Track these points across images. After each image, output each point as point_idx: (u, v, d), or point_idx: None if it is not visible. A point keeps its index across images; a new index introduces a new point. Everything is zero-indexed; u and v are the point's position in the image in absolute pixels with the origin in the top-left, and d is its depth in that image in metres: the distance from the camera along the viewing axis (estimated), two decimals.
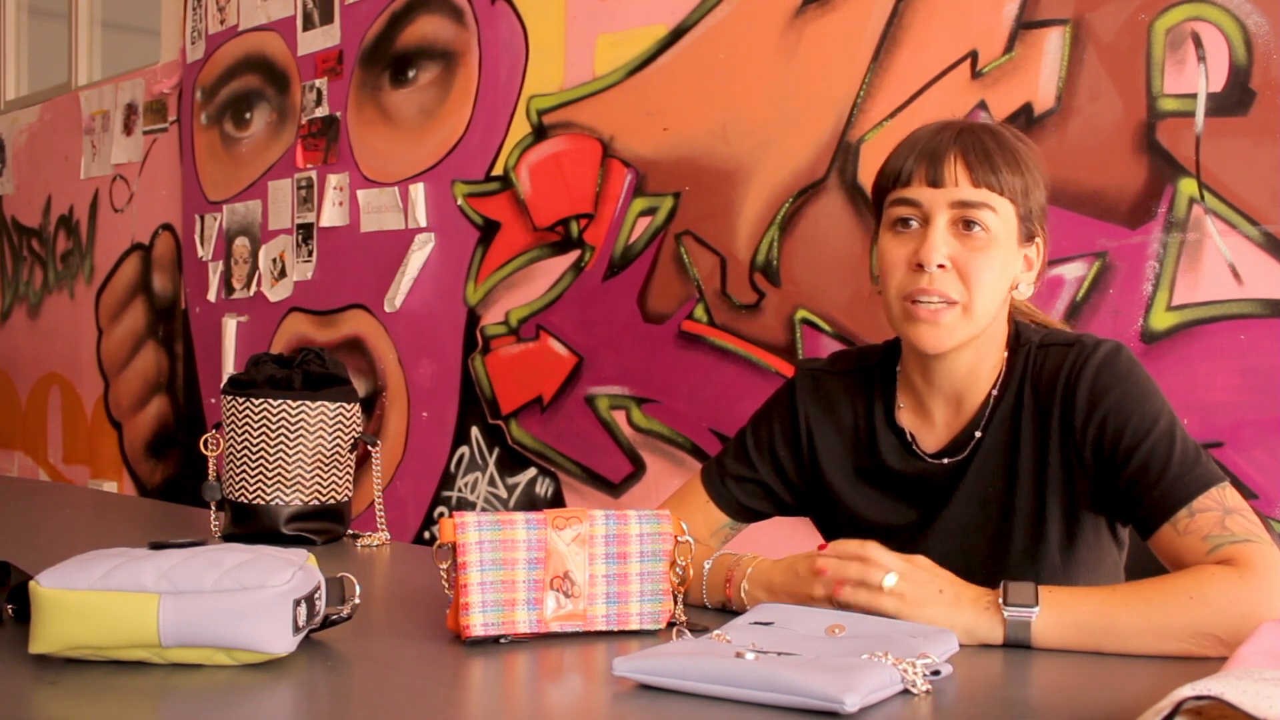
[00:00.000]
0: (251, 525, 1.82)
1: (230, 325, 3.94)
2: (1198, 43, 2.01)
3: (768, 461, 1.50)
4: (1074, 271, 2.13)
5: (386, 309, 3.39)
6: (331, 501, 1.86)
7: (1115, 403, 1.29)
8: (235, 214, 3.95)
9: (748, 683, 0.96)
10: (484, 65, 3.16)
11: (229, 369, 3.92)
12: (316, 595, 1.12)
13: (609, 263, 2.87)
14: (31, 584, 1.07)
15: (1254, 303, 1.96)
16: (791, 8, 2.55)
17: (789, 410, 1.51)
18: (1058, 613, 1.15)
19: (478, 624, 1.17)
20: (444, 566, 1.21)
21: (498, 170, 3.12)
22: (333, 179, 3.57)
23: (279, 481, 1.81)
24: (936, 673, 1.02)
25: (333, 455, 1.85)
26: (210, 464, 1.88)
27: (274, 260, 3.81)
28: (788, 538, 1.68)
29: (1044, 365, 1.36)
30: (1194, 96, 2.02)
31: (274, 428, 1.81)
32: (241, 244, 3.93)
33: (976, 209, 1.31)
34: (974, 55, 2.27)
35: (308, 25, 3.69)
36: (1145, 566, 1.34)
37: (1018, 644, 1.16)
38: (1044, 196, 1.38)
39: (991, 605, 1.17)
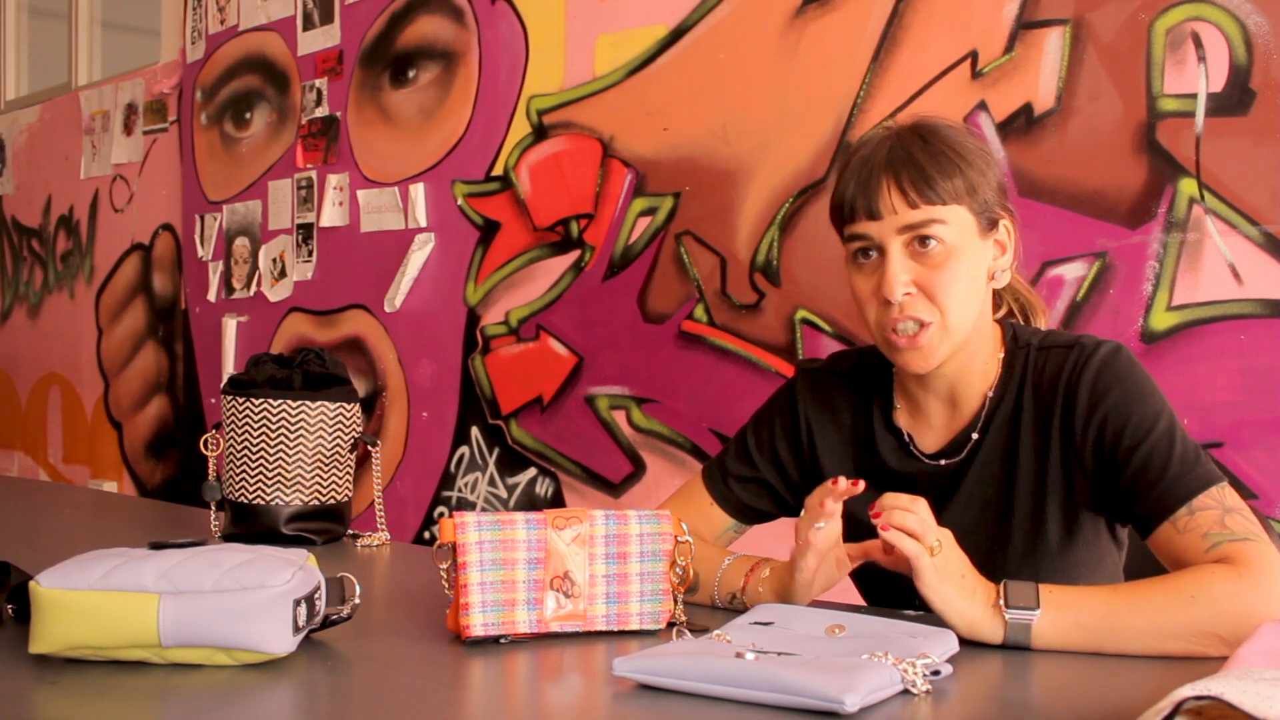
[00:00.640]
0: (251, 525, 1.82)
1: (230, 325, 3.94)
2: (1198, 43, 2.01)
3: (769, 460, 1.51)
4: (1074, 271, 2.13)
5: (386, 309, 3.39)
6: (331, 501, 1.86)
7: (1115, 403, 1.30)
8: (235, 214, 3.95)
9: (748, 683, 0.96)
10: (484, 65, 3.16)
11: (229, 369, 3.92)
12: (316, 595, 1.12)
13: (609, 263, 2.87)
14: (31, 584, 1.07)
15: (1254, 303, 1.96)
16: (791, 8, 2.55)
17: (790, 410, 1.51)
18: (1058, 614, 1.15)
19: (478, 624, 1.17)
20: (444, 566, 1.21)
21: (498, 170, 3.12)
22: (333, 179, 3.57)
23: (279, 481, 1.81)
24: (936, 673, 1.02)
25: (333, 455, 1.85)
26: (210, 464, 1.88)
27: (274, 260, 3.81)
28: (789, 542, 1.67)
29: (1044, 368, 1.36)
30: (1194, 96, 2.02)
31: (274, 428, 1.81)
32: (241, 244, 3.93)
33: (924, 228, 1.30)
34: (974, 55, 2.27)
35: (308, 25, 3.69)
36: (1142, 567, 1.34)
37: (1016, 645, 1.15)
38: (996, 177, 1.35)
39: (996, 604, 1.16)
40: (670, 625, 1.25)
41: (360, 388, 3.44)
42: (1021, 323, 1.48)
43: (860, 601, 1.51)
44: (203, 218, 4.08)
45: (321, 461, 1.84)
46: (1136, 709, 0.86)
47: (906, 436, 1.43)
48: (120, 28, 4.85)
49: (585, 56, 2.92)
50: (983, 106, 2.26)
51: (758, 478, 1.51)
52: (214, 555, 1.09)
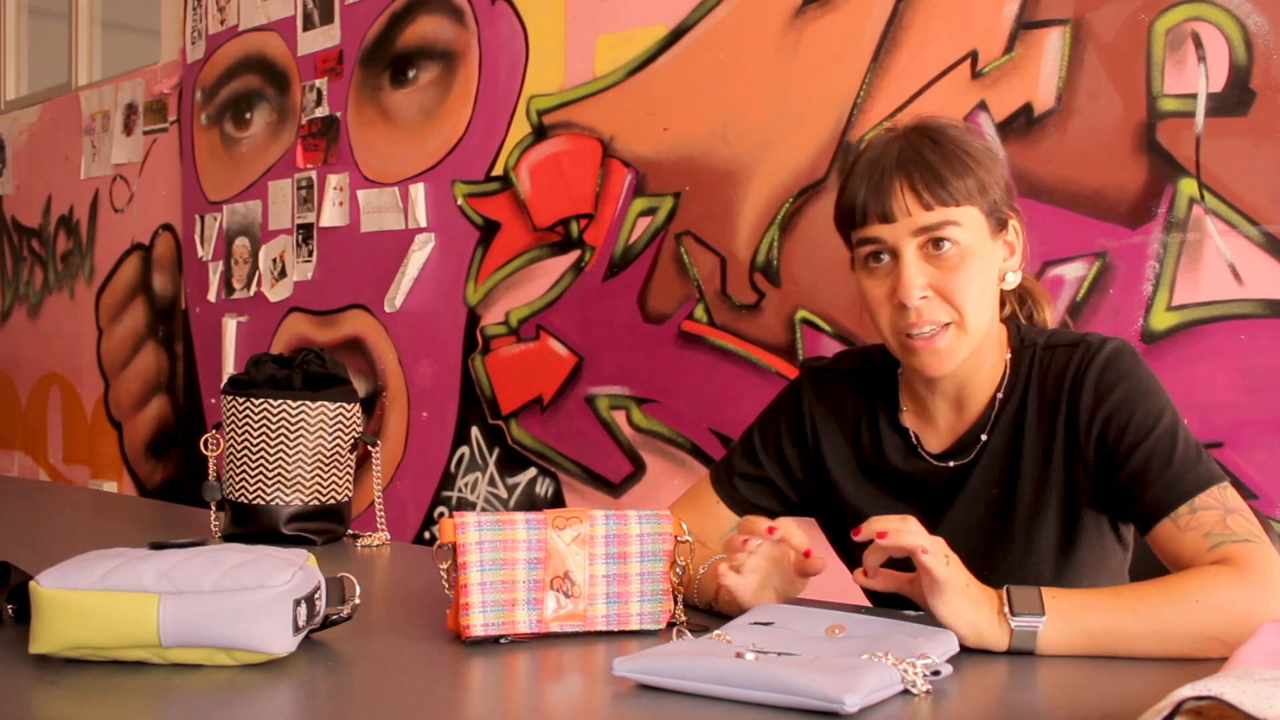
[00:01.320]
0: (251, 525, 1.82)
1: (230, 325, 3.94)
2: (1198, 43, 2.01)
3: (774, 460, 1.51)
4: (1074, 271, 2.13)
5: (386, 309, 3.39)
6: (331, 501, 1.86)
7: (1119, 399, 1.29)
8: (235, 214, 3.95)
9: (748, 683, 0.96)
10: (484, 65, 3.16)
11: (229, 369, 3.92)
12: (316, 595, 1.12)
13: (609, 263, 2.87)
14: (31, 584, 1.07)
15: (1254, 303, 1.96)
16: (791, 8, 2.55)
17: (795, 409, 1.51)
18: (1064, 621, 1.13)
19: (478, 624, 1.17)
20: (444, 566, 1.21)
21: (498, 170, 3.12)
22: (333, 179, 3.57)
23: (279, 481, 1.81)
24: (936, 673, 1.02)
25: (333, 455, 1.85)
26: (210, 464, 1.88)
27: (274, 260, 3.81)
28: None
29: (1050, 366, 1.36)
30: (1194, 96, 2.02)
31: (274, 428, 1.81)
32: (241, 244, 3.93)
33: (939, 230, 1.29)
34: (974, 55, 2.27)
35: (308, 25, 3.69)
36: (1146, 568, 1.34)
37: (1022, 652, 1.14)
38: (1003, 176, 1.36)
39: (1000, 611, 1.14)
40: (670, 625, 1.25)
41: (360, 388, 3.44)
42: (1027, 316, 1.48)
43: (863, 601, 1.51)
44: (203, 218, 4.08)
45: (321, 461, 1.83)
46: (1137, 709, 0.86)
47: (913, 436, 1.43)
48: (120, 28, 4.85)
49: (585, 56, 2.92)
50: (983, 106, 2.26)
51: (763, 476, 1.51)
52: (214, 555, 1.09)
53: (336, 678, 1.08)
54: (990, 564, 1.35)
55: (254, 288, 3.88)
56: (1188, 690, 0.79)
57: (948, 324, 1.30)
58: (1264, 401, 1.94)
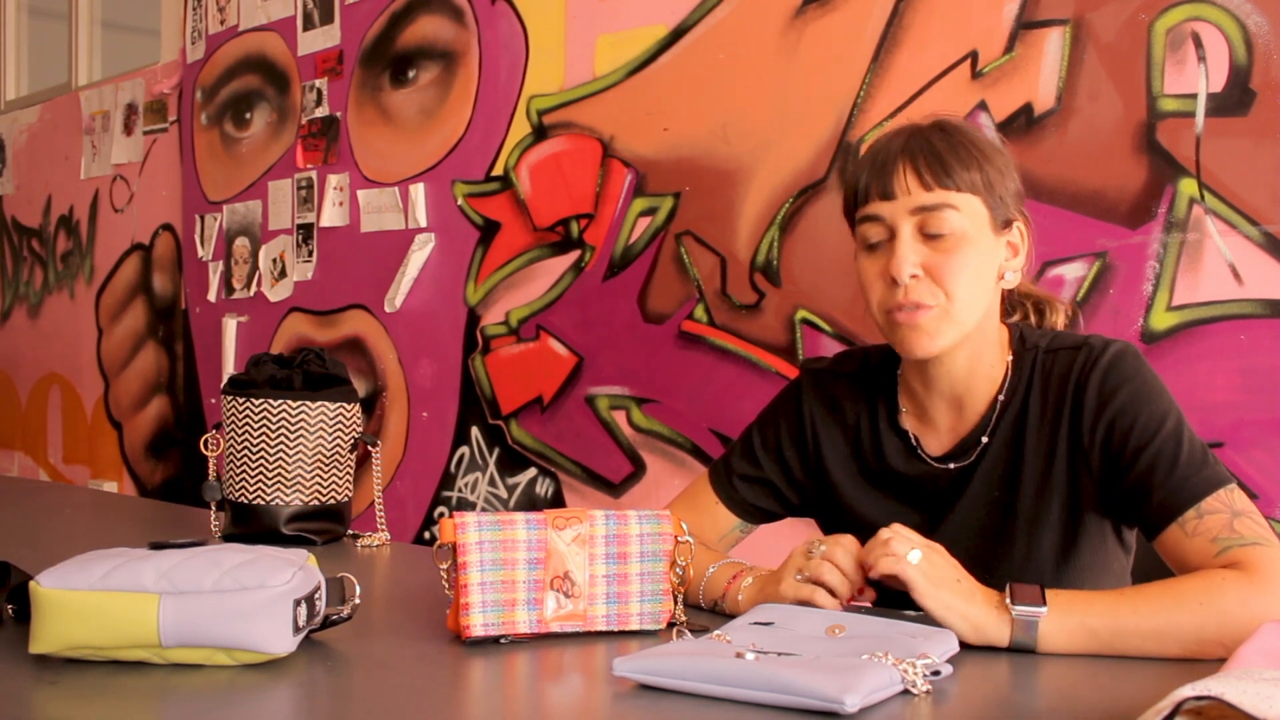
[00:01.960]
0: (251, 525, 1.82)
1: (230, 325, 3.94)
2: (1198, 43, 2.01)
3: (774, 461, 1.50)
4: (1074, 271, 2.13)
5: (386, 309, 3.39)
6: (331, 502, 1.86)
7: (1123, 402, 1.29)
8: (235, 214, 3.95)
9: (748, 683, 0.96)
10: (484, 65, 3.16)
11: (229, 369, 3.92)
12: (316, 595, 1.12)
13: (609, 263, 2.87)
14: (31, 584, 1.07)
15: (1254, 303, 1.96)
16: (791, 8, 2.55)
17: (795, 410, 1.51)
18: (1065, 617, 1.13)
19: (478, 624, 1.17)
20: (444, 566, 1.21)
21: (498, 170, 3.12)
22: (333, 179, 3.57)
23: (279, 481, 1.81)
24: (936, 673, 1.02)
25: (333, 455, 1.85)
26: (210, 464, 1.88)
27: (274, 260, 3.81)
28: (789, 544, 1.67)
29: (1052, 369, 1.35)
30: (1194, 96, 2.02)
31: (274, 428, 1.81)
32: (241, 244, 3.93)
33: (936, 211, 1.30)
34: (974, 55, 2.27)
35: (308, 25, 3.69)
36: (1149, 571, 1.34)
37: (1023, 648, 1.14)
38: (1014, 181, 1.36)
39: (1001, 605, 1.15)
40: (670, 625, 1.24)
41: (360, 388, 3.44)
42: (1038, 322, 1.47)
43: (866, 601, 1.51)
44: (203, 218, 4.08)
45: (321, 461, 1.83)
46: (1137, 709, 0.86)
47: (913, 439, 1.42)
48: (120, 28, 4.85)
49: (585, 56, 2.92)
50: (983, 106, 2.26)
51: (763, 477, 1.51)
52: (214, 555, 1.09)
53: (336, 678, 1.08)
54: (992, 567, 1.34)
55: (254, 288, 3.88)
56: (1188, 690, 0.79)
57: (932, 306, 1.31)
58: (1264, 401, 1.94)
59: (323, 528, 1.85)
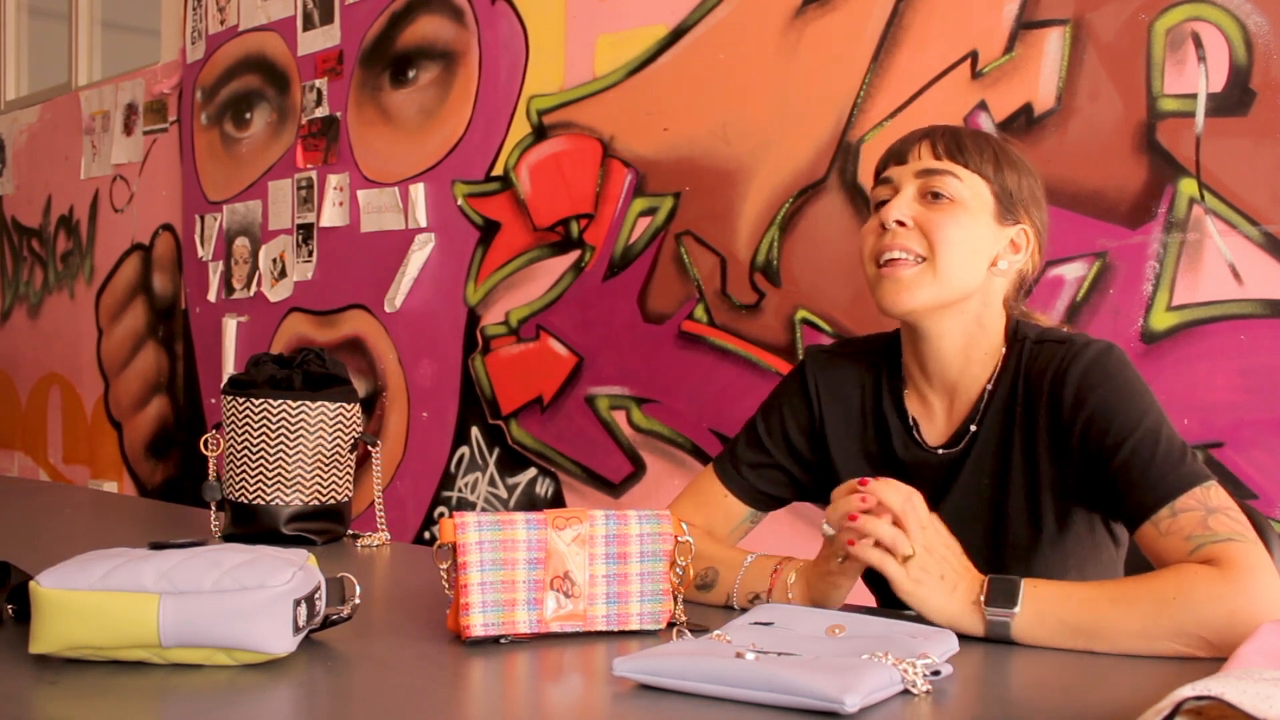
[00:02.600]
0: (251, 525, 1.82)
1: (230, 325, 3.94)
2: (1198, 43, 2.01)
3: (781, 445, 1.51)
4: (1074, 271, 2.13)
5: (386, 309, 3.39)
6: (331, 501, 1.86)
7: (1101, 400, 1.30)
8: (235, 214, 3.95)
9: (748, 683, 0.96)
10: (484, 65, 3.16)
11: (229, 369, 3.92)
12: (316, 595, 1.12)
13: (609, 263, 2.87)
14: (31, 584, 1.07)
15: (1254, 303, 1.96)
16: (791, 8, 2.55)
17: (801, 391, 1.51)
18: (1040, 611, 1.16)
19: (478, 624, 1.17)
20: (444, 566, 1.21)
21: (498, 170, 3.12)
22: (333, 179, 3.57)
23: (279, 481, 1.81)
24: (936, 673, 1.02)
25: (333, 455, 1.85)
26: (210, 464, 1.88)
27: (274, 260, 3.81)
28: (789, 539, 1.68)
29: (1036, 359, 1.37)
30: (1194, 96, 2.02)
31: (274, 428, 1.81)
32: (241, 244, 3.93)
33: (939, 176, 1.36)
34: (974, 55, 2.27)
35: (308, 25, 3.69)
36: (1143, 564, 1.34)
37: (999, 639, 1.17)
38: (1033, 187, 1.41)
39: (976, 604, 1.18)
40: (670, 625, 1.24)
41: (360, 388, 3.45)
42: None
43: (870, 601, 1.51)
44: (203, 218, 4.08)
45: (321, 461, 1.83)
46: (1136, 709, 0.86)
47: (912, 421, 1.44)
48: (120, 28, 4.85)
49: (585, 56, 2.92)
50: (983, 106, 2.26)
51: (772, 463, 1.51)
52: (214, 555, 1.09)
53: (336, 678, 1.08)
54: (984, 555, 1.35)
55: (254, 288, 3.88)
56: (1188, 690, 0.79)
57: (919, 257, 1.35)
58: (1264, 401, 1.94)
59: (323, 528, 1.85)
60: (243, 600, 1.05)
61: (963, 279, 1.36)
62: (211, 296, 4.04)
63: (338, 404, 1.85)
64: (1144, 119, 2.07)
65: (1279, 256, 1.94)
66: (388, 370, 3.44)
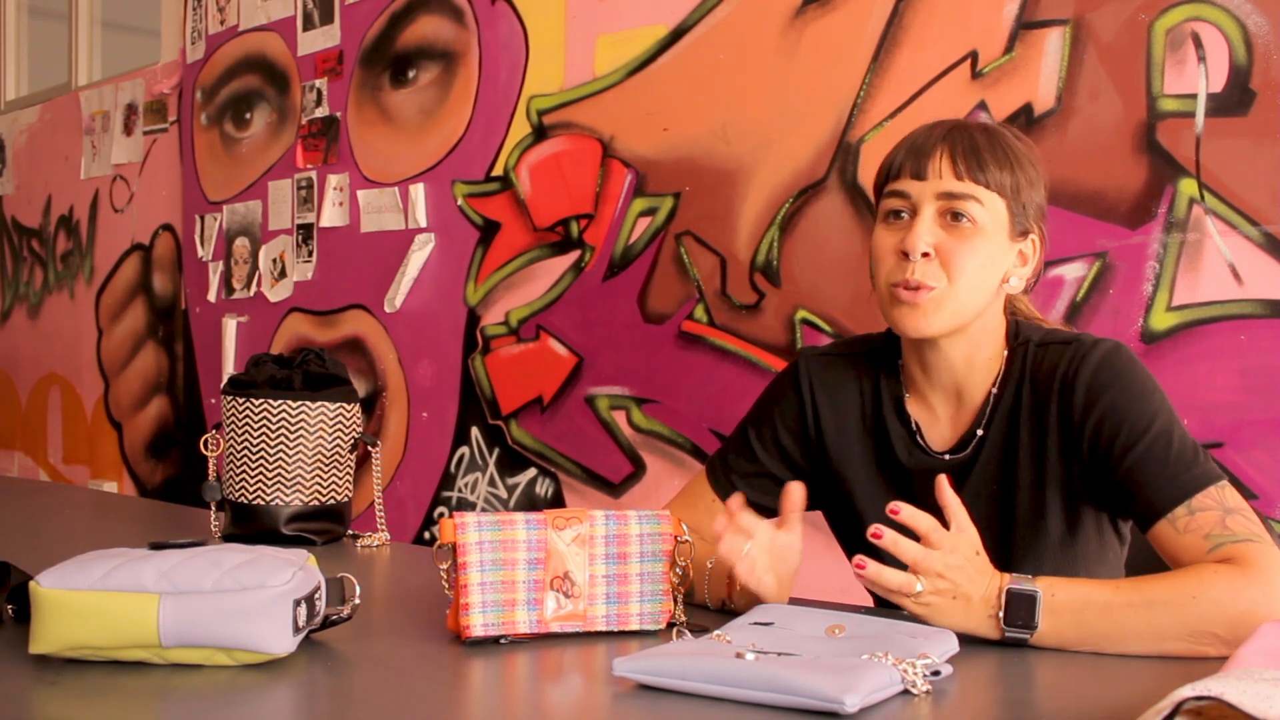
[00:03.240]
0: (251, 525, 1.82)
1: (230, 325, 3.94)
2: (1198, 43, 2.01)
3: (773, 453, 1.49)
4: (1074, 271, 2.13)
5: (386, 309, 3.39)
6: (331, 502, 1.86)
7: (1112, 400, 1.30)
8: (235, 214, 3.95)
9: (748, 683, 0.96)
10: (484, 65, 3.16)
11: (229, 369, 3.92)
12: (316, 595, 1.12)
13: (609, 263, 2.87)
14: (31, 584, 1.07)
15: (1254, 303, 1.96)
16: (791, 8, 2.55)
17: (792, 395, 1.49)
18: (1057, 625, 1.15)
19: (478, 624, 1.17)
20: (444, 567, 1.21)
21: (498, 170, 3.12)
22: (333, 179, 3.57)
23: (279, 482, 1.81)
24: (936, 673, 1.02)
25: (333, 455, 1.85)
26: (210, 464, 1.88)
27: (274, 260, 3.81)
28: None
29: (1042, 362, 1.36)
30: (1194, 97, 2.02)
31: (274, 428, 1.81)
32: (241, 244, 3.93)
33: (961, 200, 1.33)
34: (974, 55, 2.27)
35: (308, 25, 3.69)
36: (1144, 562, 1.34)
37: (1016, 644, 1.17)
38: (1041, 195, 1.39)
39: (993, 617, 1.17)
40: (670, 625, 1.24)
41: (360, 388, 3.44)
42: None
43: (866, 601, 1.51)
44: (203, 218, 4.08)
45: (321, 462, 1.83)
46: (1136, 709, 0.86)
47: (914, 425, 1.43)
48: (120, 28, 4.85)
49: (585, 56, 2.92)
50: (983, 106, 2.26)
51: (763, 472, 1.49)
52: (214, 555, 1.09)
53: (336, 678, 1.08)
54: (993, 559, 1.35)
55: (254, 288, 3.88)
56: (1188, 690, 0.79)
57: (934, 287, 1.33)
58: (1264, 401, 1.94)
59: (323, 528, 1.85)
60: (243, 600, 1.05)
61: (977, 302, 1.35)
62: (211, 296, 4.04)
63: (338, 404, 1.85)
64: (1144, 119, 2.07)
65: (1279, 256, 1.94)
66: (388, 370, 3.44)
